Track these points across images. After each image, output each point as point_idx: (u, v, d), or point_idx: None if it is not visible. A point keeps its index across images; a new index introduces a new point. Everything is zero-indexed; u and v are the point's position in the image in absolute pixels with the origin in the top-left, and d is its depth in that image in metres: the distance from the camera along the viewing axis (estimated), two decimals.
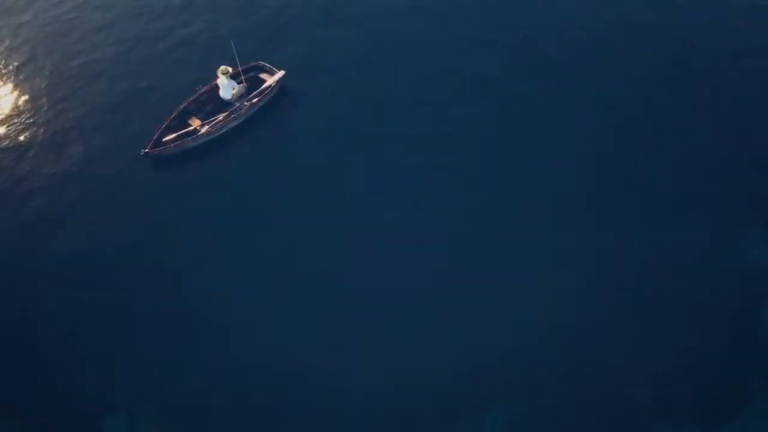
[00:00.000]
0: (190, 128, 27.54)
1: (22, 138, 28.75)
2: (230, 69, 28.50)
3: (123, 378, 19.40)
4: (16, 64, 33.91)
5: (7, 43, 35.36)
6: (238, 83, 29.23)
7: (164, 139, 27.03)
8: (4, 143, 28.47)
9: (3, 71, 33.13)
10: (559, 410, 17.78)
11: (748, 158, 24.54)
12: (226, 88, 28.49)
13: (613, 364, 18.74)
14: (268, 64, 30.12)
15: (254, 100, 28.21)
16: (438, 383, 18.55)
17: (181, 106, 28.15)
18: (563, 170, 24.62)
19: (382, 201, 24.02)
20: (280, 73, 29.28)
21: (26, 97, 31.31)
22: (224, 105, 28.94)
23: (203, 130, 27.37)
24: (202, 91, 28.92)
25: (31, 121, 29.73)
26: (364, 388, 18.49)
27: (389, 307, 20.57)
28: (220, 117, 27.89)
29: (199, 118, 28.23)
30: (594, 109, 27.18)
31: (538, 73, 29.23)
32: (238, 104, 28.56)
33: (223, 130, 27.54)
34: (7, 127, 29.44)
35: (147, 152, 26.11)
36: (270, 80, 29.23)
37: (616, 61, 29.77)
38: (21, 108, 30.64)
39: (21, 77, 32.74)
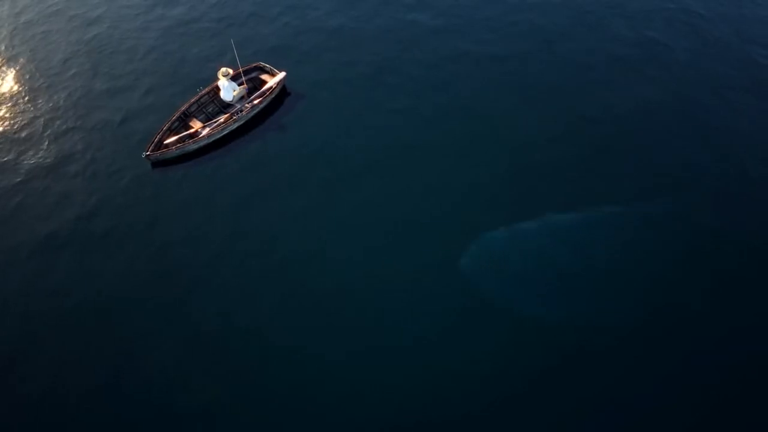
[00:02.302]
0: (192, 130, 27.41)
1: (12, 140, 28.47)
2: (231, 70, 28.35)
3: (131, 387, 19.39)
4: (6, 62, 33.46)
5: None
6: (239, 85, 29.08)
7: (165, 142, 26.87)
8: None
9: None
10: None
11: None
12: (227, 89, 28.35)
13: None
14: (269, 65, 29.99)
15: (255, 102, 28.13)
16: None
17: (182, 108, 28.00)
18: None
19: (383, 201, 23.95)
20: (282, 74, 29.18)
21: (19, 97, 31.05)
22: (225, 107, 28.85)
23: (204, 132, 27.26)
24: (203, 92, 28.77)
25: (24, 122, 29.46)
26: None
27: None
28: (222, 119, 27.79)
29: (200, 120, 28.12)
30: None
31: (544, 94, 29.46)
32: (239, 106, 28.45)
33: (225, 132, 27.41)
34: None
35: (148, 155, 25.93)
36: (271, 81, 29.13)
37: None
38: (12, 109, 30.33)
39: (13, 77, 32.38)
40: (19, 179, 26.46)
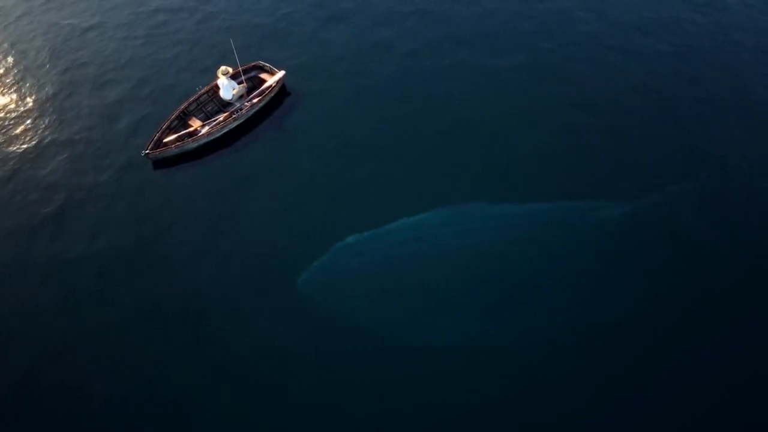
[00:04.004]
0: (191, 129, 27.31)
1: (14, 140, 28.25)
2: (230, 69, 28.30)
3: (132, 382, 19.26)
4: (5, 65, 33.19)
5: None
6: (239, 83, 29.00)
7: (165, 140, 26.75)
8: None
9: None
10: None
11: None
12: (227, 88, 28.28)
13: None
14: (268, 64, 29.94)
15: (255, 101, 28.07)
16: None
17: (182, 107, 27.88)
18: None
19: (383, 200, 23.99)
20: (281, 73, 29.15)
21: (18, 98, 30.81)
22: (225, 105, 28.77)
23: (204, 130, 27.17)
24: (203, 91, 28.67)
25: (24, 122, 29.27)
26: None
27: None
28: (221, 117, 27.71)
29: (199, 119, 28.02)
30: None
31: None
32: (238, 104, 28.39)
33: (224, 131, 27.34)
34: None
35: (147, 153, 25.82)
36: (270, 80, 29.09)
37: None
38: (12, 110, 30.12)
39: (12, 79, 32.13)
40: (30, 188, 26.17)
